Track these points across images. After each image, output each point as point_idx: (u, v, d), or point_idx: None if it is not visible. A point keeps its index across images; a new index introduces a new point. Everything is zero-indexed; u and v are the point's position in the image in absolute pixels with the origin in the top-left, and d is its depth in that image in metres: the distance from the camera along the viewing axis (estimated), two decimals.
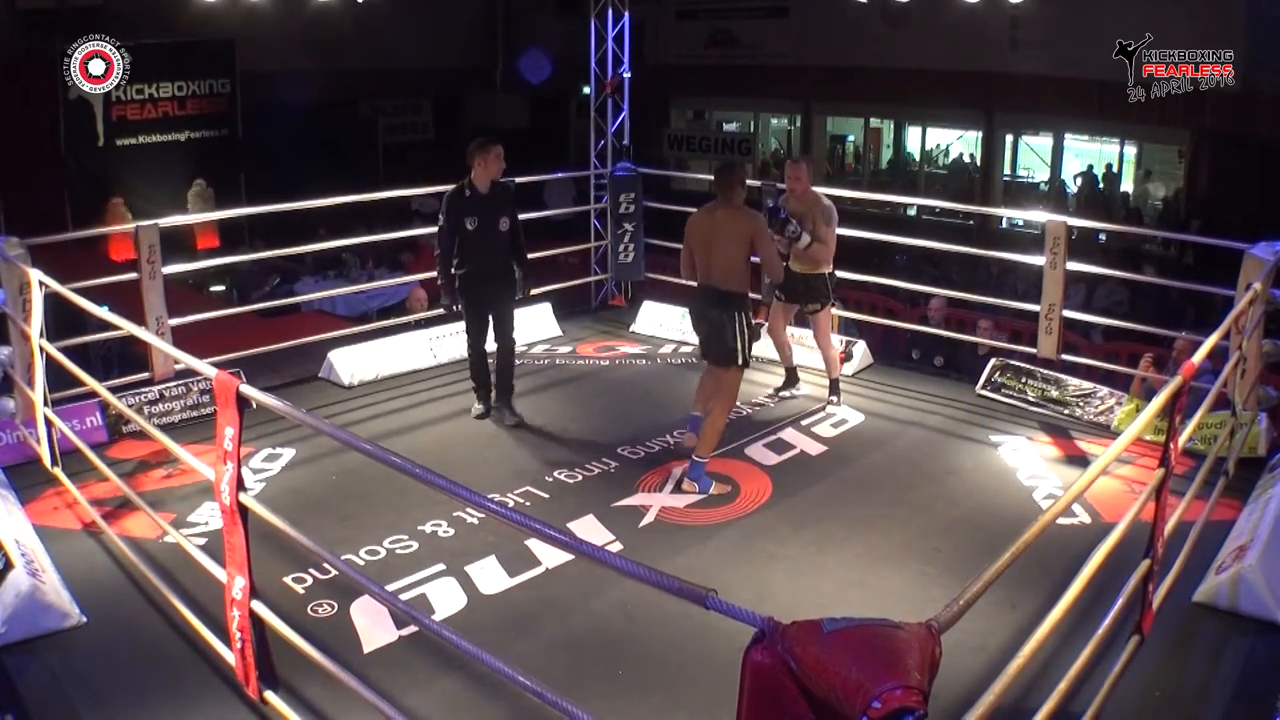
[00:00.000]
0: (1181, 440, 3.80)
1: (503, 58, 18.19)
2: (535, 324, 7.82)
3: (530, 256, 7.90)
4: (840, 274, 7.66)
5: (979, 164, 15.33)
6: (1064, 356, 6.53)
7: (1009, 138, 15.13)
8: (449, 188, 5.97)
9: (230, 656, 3.39)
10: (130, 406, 5.56)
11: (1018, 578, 3.71)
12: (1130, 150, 14.17)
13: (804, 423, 6.17)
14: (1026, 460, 5.65)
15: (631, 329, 8.09)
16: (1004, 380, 6.60)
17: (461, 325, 7.48)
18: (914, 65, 13.98)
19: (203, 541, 4.23)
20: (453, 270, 5.93)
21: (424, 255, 10.93)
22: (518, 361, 6.63)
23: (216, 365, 3.35)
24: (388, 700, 3.01)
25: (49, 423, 5.00)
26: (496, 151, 5.87)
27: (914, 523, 4.88)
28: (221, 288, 10.55)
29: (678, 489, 5.17)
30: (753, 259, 5.26)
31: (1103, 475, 3.58)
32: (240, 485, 3.17)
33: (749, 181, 6.32)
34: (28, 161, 11.59)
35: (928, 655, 1.88)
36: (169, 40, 12.21)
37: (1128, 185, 14.15)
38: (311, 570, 4.26)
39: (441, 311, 7.88)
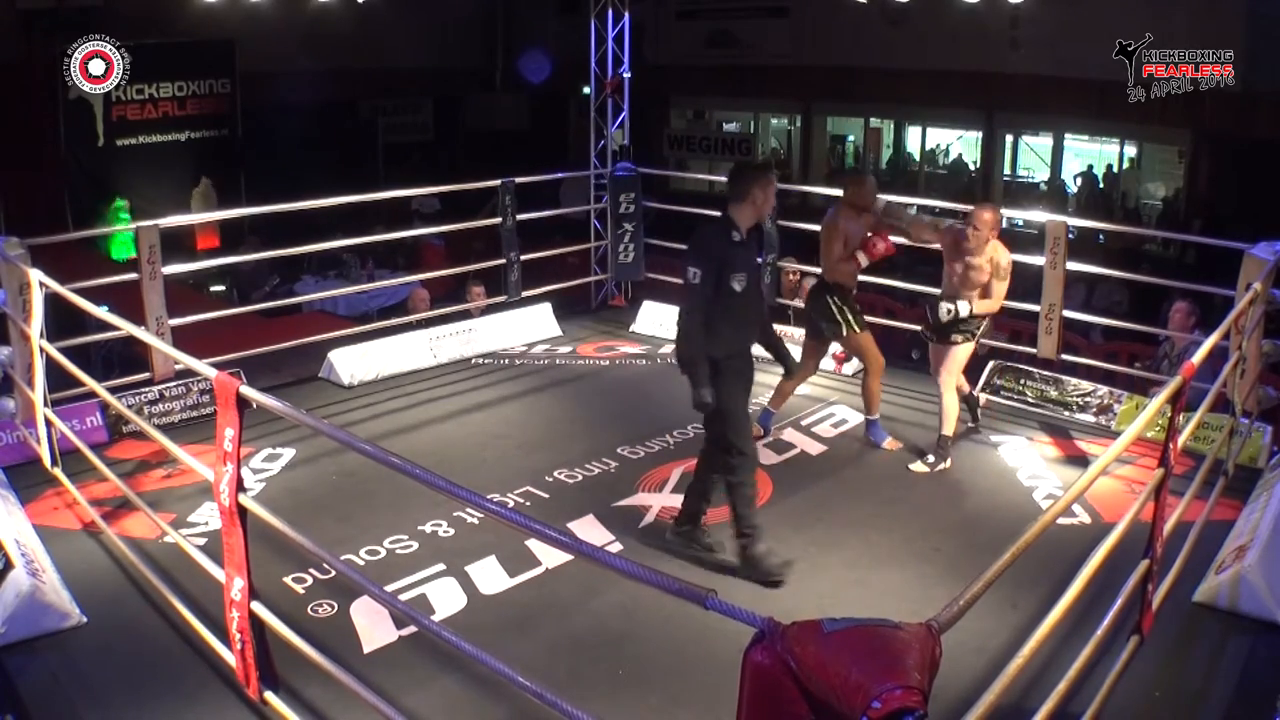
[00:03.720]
0: (1181, 440, 3.80)
1: (503, 58, 18.19)
2: (535, 324, 7.81)
3: (534, 255, 7.93)
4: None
5: (979, 164, 15.33)
6: (1064, 357, 6.53)
7: (1009, 138, 15.12)
8: (706, 226, 4.30)
9: (230, 657, 3.39)
10: (130, 407, 5.56)
11: (1018, 578, 3.70)
12: (1130, 150, 14.18)
13: (804, 423, 6.17)
14: (1026, 460, 5.65)
15: (631, 329, 8.08)
16: (1002, 383, 6.60)
17: (465, 325, 7.53)
18: (914, 65, 13.98)
19: (202, 542, 4.23)
20: (708, 351, 4.21)
21: (425, 255, 10.97)
22: (517, 362, 6.60)
23: (216, 365, 3.34)
24: (388, 700, 3.01)
25: (49, 423, 4.99)
26: (774, 180, 4.33)
27: (914, 523, 4.88)
28: (221, 288, 10.56)
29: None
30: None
31: (1103, 475, 3.58)
32: (240, 486, 3.16)
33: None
34: (28, 161, 11.59)
35: (928, 655, 1.88)
36: (169, 40, 12.22)
37: (1127, 185, 14.16)
38: (311, 570, 4.26)
39: (442, 311, 7.89)
